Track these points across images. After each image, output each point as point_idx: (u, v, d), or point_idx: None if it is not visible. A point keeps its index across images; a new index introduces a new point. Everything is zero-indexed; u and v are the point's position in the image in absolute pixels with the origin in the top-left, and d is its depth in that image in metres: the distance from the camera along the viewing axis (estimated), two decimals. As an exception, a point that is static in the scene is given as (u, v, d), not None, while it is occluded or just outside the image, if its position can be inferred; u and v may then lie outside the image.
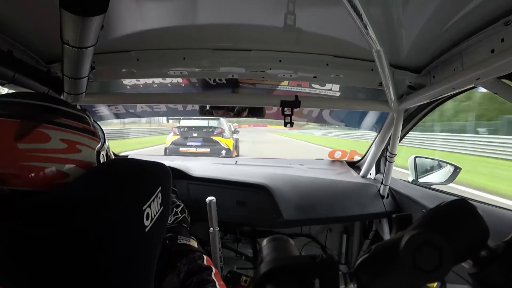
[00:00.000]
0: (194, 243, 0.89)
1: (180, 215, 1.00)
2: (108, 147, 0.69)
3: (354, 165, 1.99)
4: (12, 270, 0.42)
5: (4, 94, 0.57)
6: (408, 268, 0.36)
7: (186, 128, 7.49)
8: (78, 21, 0.59)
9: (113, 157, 0.73)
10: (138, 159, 0.65)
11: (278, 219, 1.40)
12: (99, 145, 0.63)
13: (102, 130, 0.68)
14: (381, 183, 1.53)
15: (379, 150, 1.61)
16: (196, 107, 1.46)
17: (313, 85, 1.39)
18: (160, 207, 0.60)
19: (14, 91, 0.61)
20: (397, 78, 1.09)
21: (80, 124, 0.59)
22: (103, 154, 0.63)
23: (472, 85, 0.87)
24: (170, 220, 0.97)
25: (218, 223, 1.32)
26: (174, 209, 1.01)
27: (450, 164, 1.59)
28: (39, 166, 0.52)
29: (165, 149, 7.48)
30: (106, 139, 0.69)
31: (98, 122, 0.69)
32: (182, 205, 1.07)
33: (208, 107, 1.35)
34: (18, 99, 0.55)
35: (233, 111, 1.34)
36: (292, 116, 1.20)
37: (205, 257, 0.85)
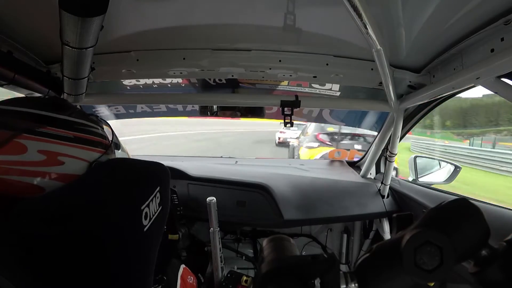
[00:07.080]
0: None
1: None
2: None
3: (354, 165, 1.99)
4: (11, 271, 0.42)
5: (2, 101, 0.52)
6: (409, 267, 0.36)
7: None
8: (77, 22, 0.59)
9: None
10: (137, 159, 0.65)
11: (279, 219, 1.40)
12: (99, 155, 0.59)
13: (113, 134, 0.65)
14: (381, 182, 1.53)
15: (379, 149, 1.61)
16: (196, 107, 1.46)
17: (313, 85, 1.38)
18: (159, 207, 0.60)
19: (15, 97, 0.58)
20: (397, 77, 1.09)
21: (70, 133, 0.54)
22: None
23: (472, 85, 0.87)
24: None
25: (218, 223, 1.32)
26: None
27: (450, 163, 1.58)
28: (10, 180, 0.48)
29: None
30: (120, 145, 0.65)
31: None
32: None
33: (215, 108, 1.35)
34: (10, 106, 0.52)
35: (239, 111, 1.35)
36: (292, 116, 1.20)
37: None
